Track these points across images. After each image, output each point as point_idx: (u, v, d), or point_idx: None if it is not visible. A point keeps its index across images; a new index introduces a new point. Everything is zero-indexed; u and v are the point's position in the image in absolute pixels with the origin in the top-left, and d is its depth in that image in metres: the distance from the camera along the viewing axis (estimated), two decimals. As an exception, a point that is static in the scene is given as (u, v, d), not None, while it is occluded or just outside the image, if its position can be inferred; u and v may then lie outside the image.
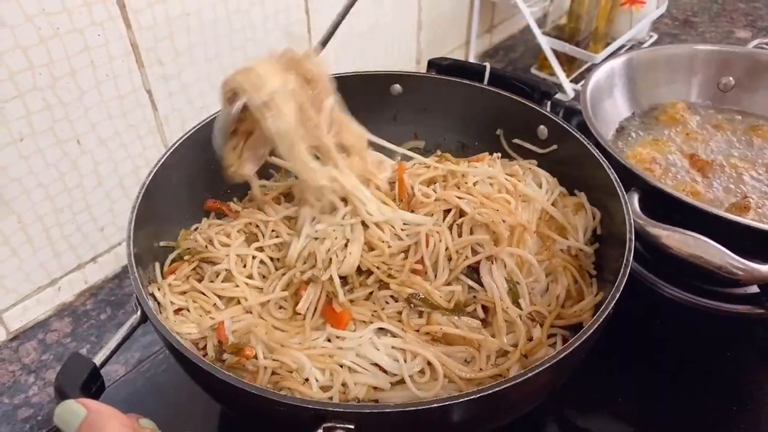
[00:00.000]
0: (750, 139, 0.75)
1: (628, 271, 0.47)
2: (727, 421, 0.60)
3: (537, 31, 1.03)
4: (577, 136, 0.60)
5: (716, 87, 0.81)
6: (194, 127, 0.61)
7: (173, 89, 0.72)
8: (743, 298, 0.66)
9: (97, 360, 0.43)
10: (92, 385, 0.42)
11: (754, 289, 0.66)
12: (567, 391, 0.62)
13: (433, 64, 0.71)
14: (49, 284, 0.71)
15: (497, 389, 0.39)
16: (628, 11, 1.11)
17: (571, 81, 1.07)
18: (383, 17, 0.97)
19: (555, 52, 1.05)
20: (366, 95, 0.70)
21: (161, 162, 0.57)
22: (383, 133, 0.68)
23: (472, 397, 0.38)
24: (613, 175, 0.55)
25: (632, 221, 0.51)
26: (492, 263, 0.54)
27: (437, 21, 1.08)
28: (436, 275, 0.54)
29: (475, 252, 0.54)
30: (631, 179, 0.59)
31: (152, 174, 0.56)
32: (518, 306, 0.53)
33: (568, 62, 1.10)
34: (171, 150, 0.58)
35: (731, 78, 0.80)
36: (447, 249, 0.54)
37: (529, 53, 1.24)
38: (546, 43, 1.04)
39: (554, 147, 0.63)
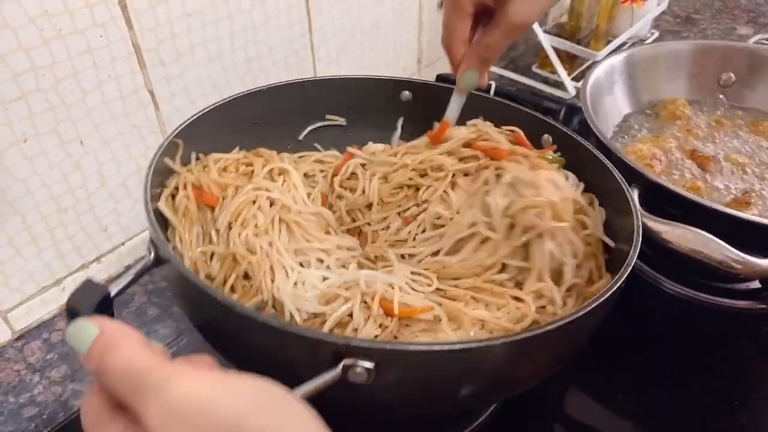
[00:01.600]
0: (750, 134, 0.75)
1: (637, 252, 0.47)
2: (728, 416, 0.61)
3: (538, 29, 1.03)
4: (580, 140, 0.60)
5: (717, 83, 0.81)
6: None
7: (175, 90, 0.72)
8: (744, 294, 0.66)
9: (111, 290, 0.42)
10: (104, 312, 0.39)
11: (756, 284, 0.66)
12: (568, 385, 0.63)
13: (441, 79, 0.72)
14: (54, 284, 0.71)
15: (533, 333, 0.39)
16: (629, 9, 1.11)
17: (572, 79, 1.07)
18: (384, 16, 0.97)
19: (556, 50, 1.05)
20: (375, 99, 0.71)
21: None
22: (389, 138, 0.70)
23: (496, 343, 0.38)
24: (616, 173, 0.55)
25: (638, 212, 0.51)
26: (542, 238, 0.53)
27: (439, 21, 1.08)
28: None
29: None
30: (632, 175, 0.59)
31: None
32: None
33: (569, 60, 1.10)
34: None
35: (732, 74, 0.81)
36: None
37: (530, 51, 1.24)
38: (547, 41, 1.04)
39: (558, 155, 0.63)
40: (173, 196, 0.58)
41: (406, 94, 0.71)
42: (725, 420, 0.60)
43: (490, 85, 0.70)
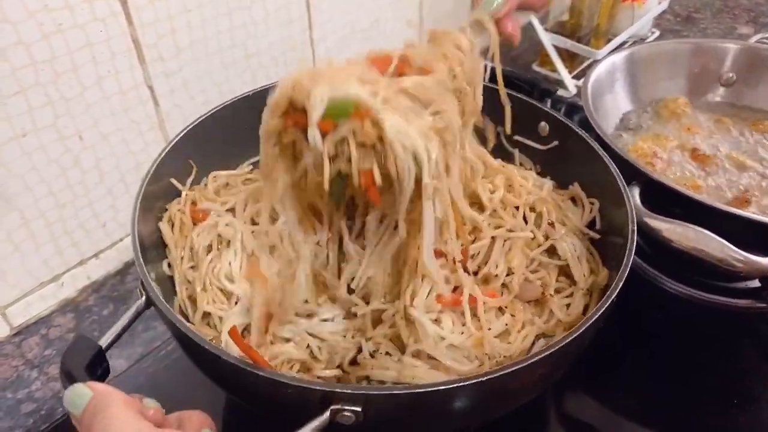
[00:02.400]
0: (751, 133, 0.75)
1: (631, 259, 0.47)
2: (728, 415, 0.61)
3: (539, 28, 1.03)
4: (578, 131, 0.60)
5: (718, 82, 0.81)
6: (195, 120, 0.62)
7: (174, 85, 0.72)
8: (744, 293, 0.66)
9: (103, 342, 0.43)
10: (98, 368, 0.42)
11: (755, 283, 0.66)
12: (567, 386, 0.63)
13: None
14: (52, 280, 0.71)
15: (507, 371, 0.40)
16: (629, 7, 1.11)
17: (572, 77, 1.07)
18: (383, 13, 0.97)
19: (556, 48, 1.05)
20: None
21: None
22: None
23: (480, 380, 0.39)
24: (613, 168, 0.55)
25: (633, 206, 0.52)
26: None
27: (438, 17, 1.08)
28: None
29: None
30: (632, 173, 0.59)
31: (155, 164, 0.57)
32: None
33: (569, 58, 1.10)
34: (172, 143, 0.59)
35: (732, 73, 0.80)
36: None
37: (530, 49, 1.23)
38: (548, 40, 1.04)
39: (555, 143, 0.63)
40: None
41: None
42: (725, 419, 0.60)
43: (542, 125, 0.65)
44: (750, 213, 0.58)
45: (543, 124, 0.64)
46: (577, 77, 1.09)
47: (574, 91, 1.04)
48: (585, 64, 1.13)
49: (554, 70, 1.05)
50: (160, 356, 0.66)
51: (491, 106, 0.66)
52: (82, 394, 0.35)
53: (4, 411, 0.62)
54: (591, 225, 0.59)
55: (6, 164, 0.61)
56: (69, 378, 0.39)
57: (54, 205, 0.67)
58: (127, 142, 0.70)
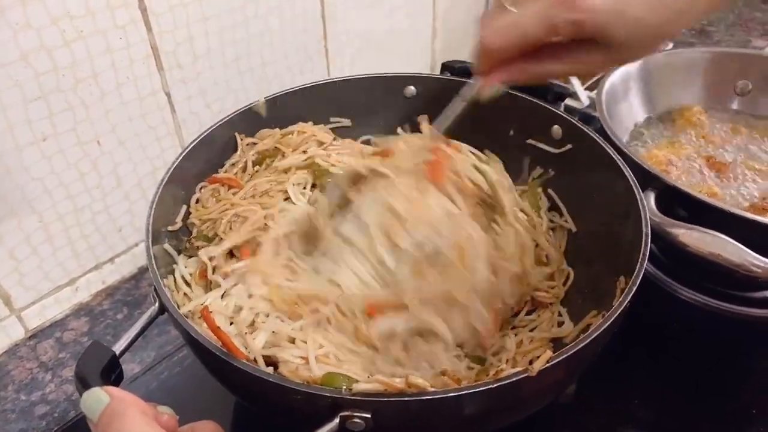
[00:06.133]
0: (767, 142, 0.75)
1: (645, 263, 0.46)
2: (745, 426, 0.59)
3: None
4: (592, 134, 0.60)
5: (733, 91, 0.81)
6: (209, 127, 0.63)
7: (191, 92, 0.73)
8: (762, 302, 0.65)
9: (116, 349, 0.44)
10: (111, 374, 0.42)
11: (774, 293, 0.65)
12: (581, 394, 0.62)
13: (446, 67, 0.72)
14: (68, 283, 0.71)
15: (515, 379, 0.39)
16: (643, 19, 1.11)
17: (585, 89, 1.07)
18: (398, 24, 0.98)
19: (569, 59, 1.05)
20: (380, 96, 0.71)
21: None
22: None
23: (490, 387, 0.38)
24: (627, 172, 0.54)
25: (648, 209, 0.51)
26: None
27: (452, 29, 1.09)
28: None
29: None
30: (648, 179, 0.59)
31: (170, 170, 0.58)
32: None
33: (582, 70, 1.10)
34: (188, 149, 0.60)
35: (748, 82, 0.80)
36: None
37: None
38: (560, 51, 1.04)
39: (569, 147, 0.63)
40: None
41: (411, 89, 0.71)
42: (743, 428, 0.59)
43: (555, 129, 0.64)
44: (768, 220, 0.57)
45: (556, 127, 0.63)
46: (589, 89, 1.09)
47: (587, 102, 1.04)
48: (598, 76, 1.13)
49: (567, 81, 1.05)
50: (172, 363, 0.67)
51: (508, 108, 0.67)
52: (99, 399, 0.36)
53: (18, 413, 0.63)
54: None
55: (27, 168, 0.62)
56: (83, 383, 0.40)
57: (72, 209, 0.68)
58: (144, 148, 0.71)
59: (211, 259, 0.55)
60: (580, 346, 0.41)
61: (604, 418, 0.61)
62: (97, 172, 0.68)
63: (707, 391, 0.62)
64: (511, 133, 0.69)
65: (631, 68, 0.77)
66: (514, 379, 0.39)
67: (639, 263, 0.47)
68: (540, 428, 0.60)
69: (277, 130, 0.69)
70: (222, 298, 0.52)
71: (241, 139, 0.67)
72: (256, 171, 0.67)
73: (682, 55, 0.82)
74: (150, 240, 0.51)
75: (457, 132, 0.73)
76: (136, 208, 0.74)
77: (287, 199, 0.63)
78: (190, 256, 0.58)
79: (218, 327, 0.46)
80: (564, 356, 0.41)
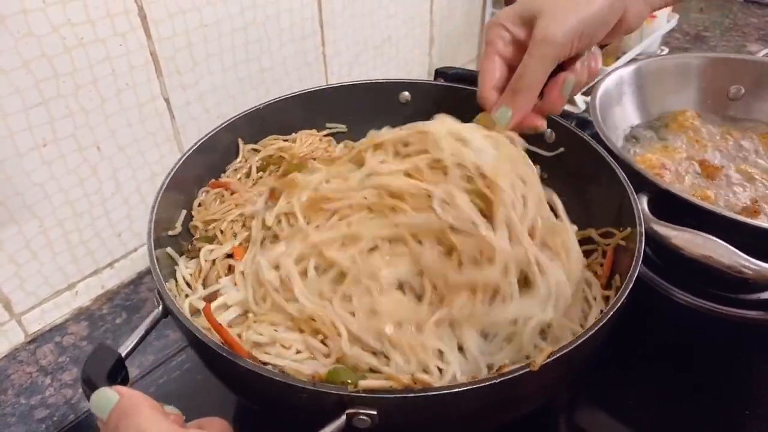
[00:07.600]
0: (760, 146, 0.75)
1: (639, 265, 0.47)
2: (739, 428, 0.60)
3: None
4: (585, 138, 0.61)
5: (726, 95, 0.82)
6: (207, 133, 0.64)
7: (190, 98, 0.74)
8: (755, 304, 0.65)
9: (122, 351, 0.44)
10: (118, 376, 0.42)
11: (766, 295, 0.65)
12: (577, 396, 0.63)
13: (440, 73, 0.73)
14: (67, 288, 0.72)
15: (517, 374, 0.40)
16: (638, 25, 1.12)
17: (581, 94, 1.08)
18: (396, 31, 0.99)
19: (565, 64, 1.06)
20: (375, 102, 0.72)
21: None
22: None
23: (494, 382, 0.39)
24: (621, 175, 0.55)
25: (641, 212, 0.52)
26: None
27: (449, 35, 1.11)
28: None
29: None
30: (641, 183, 0.59)
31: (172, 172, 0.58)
32: None
33: (578, 75, 1.11)
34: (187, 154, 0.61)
35: (741, 87, 0.81)
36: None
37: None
38: (556, 56, 1.05)
39: (561, 150, 0.63)
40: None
41: (406, 94, 0.72)
42: (737, 430, 0.60)
43: (548, 133, 0.65)
44: (759, 222, 0.58)
45: (549, 131, 0.64)
46: (585, 94, 1.09)
47: (583, 107, 1.05)
48: (594, 81, 1.14)
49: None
50: (172, 366, 0.67)
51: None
52: (108, 397, 0.36)
53: (18, 416, 0.63)
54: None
55: (27, 173, 0.63)
56: (90, 385, 0.40)
57: (71, 214, 0.68)
58: (143, 153, 0.72)
59: (213, 261, 0.56)
60: (579, 342, 0.42)
61: (599, 421, 0.62)
62: (97, 178, 0.69)
63: (702, 392, 0.63)
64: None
65: (624, 73, 0.78)
66: (517, 374, 0.40)
67: (635, 260, 0.48)
68: (537, 430, 0.60)
69: (279, 138, 0.70)
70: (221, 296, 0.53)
71: (243, 145, 0.68)
72: (260, 177, 0.67)
73: (676, 60, 0.83)
74: (152, 242, 0.51)
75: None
76: (135, 214, 0.75)
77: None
78: (192, 258, 0.59)
79: (219, 324, 0.47)
80: (564, 351, 0.41)
